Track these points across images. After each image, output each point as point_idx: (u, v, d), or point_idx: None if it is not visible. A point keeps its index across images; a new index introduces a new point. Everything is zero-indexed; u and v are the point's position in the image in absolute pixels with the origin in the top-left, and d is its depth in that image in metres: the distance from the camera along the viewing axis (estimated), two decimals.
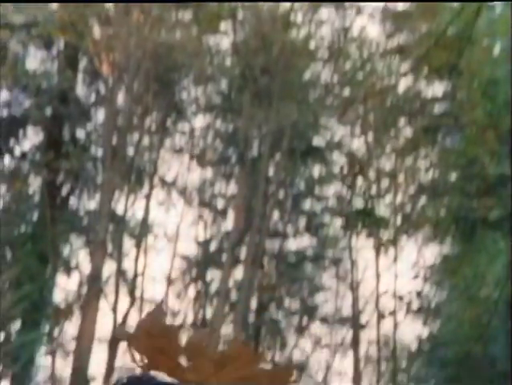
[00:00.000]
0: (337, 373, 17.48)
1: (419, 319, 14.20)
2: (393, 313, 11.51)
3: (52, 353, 15.12)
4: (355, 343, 16.62)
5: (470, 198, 10.35)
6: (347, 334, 17.04)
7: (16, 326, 14.79)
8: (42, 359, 15.46)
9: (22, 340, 13.35)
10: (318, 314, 17.45)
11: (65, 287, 16.27)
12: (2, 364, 14.59)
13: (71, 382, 16.99)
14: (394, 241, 13.48)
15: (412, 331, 17.08)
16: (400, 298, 10.45)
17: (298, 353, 17.65)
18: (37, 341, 14.19)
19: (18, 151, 15.21)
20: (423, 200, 13.16)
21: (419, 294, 10.53)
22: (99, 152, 15.71)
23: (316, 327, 17.58)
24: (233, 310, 15.51)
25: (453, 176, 11.85)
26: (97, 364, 19.22)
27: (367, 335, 16.77)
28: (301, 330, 17.40)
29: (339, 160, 16.47)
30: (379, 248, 13.57)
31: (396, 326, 15.45)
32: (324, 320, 17.35)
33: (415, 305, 10.65)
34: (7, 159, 14.78)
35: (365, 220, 13.93)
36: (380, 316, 13.00)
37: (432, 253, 12.71)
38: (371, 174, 14.96)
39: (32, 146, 15.32)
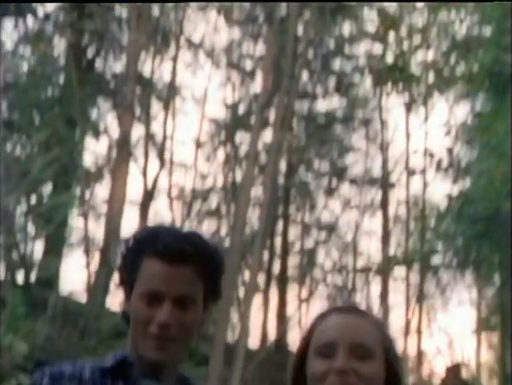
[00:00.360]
0: (366, 233, 17.68)
1: (449, 178, 14.14)
2: (423, 171, 11.43)
3: (84, 215, 15.35)
4: (384, 203, 16.69)
5: (505, 52, 9.99)
6: (376, 194, 17.10)
7: (47, 188, 14.97)
8: (75, 221, 15.73)
9: (54, 202, 13.49)
10: (348, 175, 17.47)
11: (94, 150, 16.35)
12: (35, 226, 14.85)
13: (104, 244, 17.33)
14: (425, 99, 13.21)
15: (441, 190, 17.07)
16: (431, 156, 10.30)
17: (327, 214, 17.83)
18: (69, 203, 14.36)
19: (41, 12, 14.94)
20: (455, 55, 12.78)
21: (449, 152, 10.37)
22: (124, 12, 15.38)
23: (345, 188, 17.67)
24: (262, 172, 15.52)
25: (488, 30, 11.43)
26: (129, 226, 19.58)
27: (397, 195, 16.82)
28: (330, 192, 17.48)
29: (369, 16, 16.00)
30: (410, 106, 13.32)
31: (425, 185, 15.43)
32: (354, 181, 17.38)
33: (445, 163, 10.54)
34: (30, 20, 14.53)
35: (396, 76, 13.58)
36: (410, 175, 12.94)
37: (464, 111, 12.49)
38: (403, 30, 14.53)
39: (55, 6, 15.02)
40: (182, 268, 1.72)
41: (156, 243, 1.73)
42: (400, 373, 1.68)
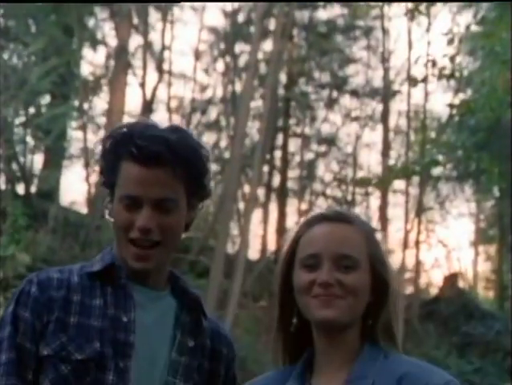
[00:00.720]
0: (366, 145, 17.64)
1: (450, 89, 14.02)
2: (425, 80, 11.28)
3: (83, 127, 15.29)
4: (384, 115, 16.60)
5: None
6: (377, 106, 16.99)
7: (46, 100, 14.86)
8: (74, 133, 15.69)
9: (53, 113, 13.41)
10: (349, 86, 17.32)
11: (92, 61, 16.15)
12: (34, 138, 14.80)
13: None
14: (428, 8, 12.96)
15: (443, 101, 16.95)
16: (433, 64, 10.16)
17: (327, 126, 17.75)
18: (67, 114, 14.28)
19: None
20: None
21: (452, 60, 10.24)
22: None
23: (346, 100, 17.54)
24: (262, 83, 15.36)
25: None
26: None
27: (398, 106, 16.72)
28: (331, 104, 17.35)
29: None
30: (412, 14, 13.07)
31: (427, 95, 15.30)
32: (354, 92, 17.22)
33: (447, 72, 10.40)
34: None
35: None
36: (412, 85, 12.79)
37: (467, 20, 12.26)
38: None
39: None
40: (159, 170, 1.67)
41: (131, 145, 1.68)
42: (387, 280, 1.66)
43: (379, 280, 1.65)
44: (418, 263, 16.66)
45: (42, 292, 1.71)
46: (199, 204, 1.78)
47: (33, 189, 15.73)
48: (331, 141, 17.47)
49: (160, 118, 19.36)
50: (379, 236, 1.72)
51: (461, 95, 12.80)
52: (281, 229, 16.82)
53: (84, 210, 17.40)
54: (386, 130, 16.86)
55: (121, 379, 1.66)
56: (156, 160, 1.66)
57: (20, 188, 17.13)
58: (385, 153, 16.71)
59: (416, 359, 1.68)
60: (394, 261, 12.94)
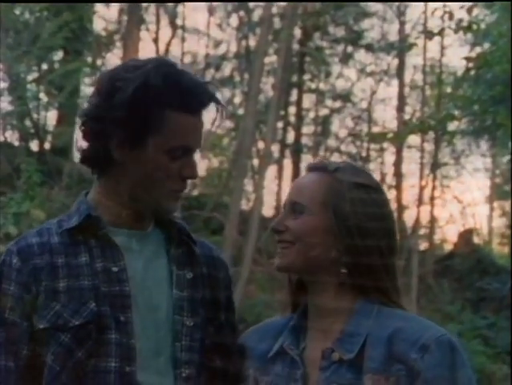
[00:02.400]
0: (381, 101, 17.49)
1: (467, 42, 13.81)
2: (441, 33, 11.05)
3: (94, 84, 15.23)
4: (400, 70, 16.42)
5: None
6: (392, 60, 16.77)
7: (58, 56, 14.80)
8: (88, 89, 15.62)
9: (66, 69, 13.35)
10: (364, 40, 17.10)
11: (105, 16, 16.05)
12: (47, 94, 14.78)
13: None
14: None
15: (459, 54, 16.69)
16: (450, 16, 9.97)
17: (342, 82, 17.59)
18: (80, 70, 14.21)
19: None
20: None
21: (469, 12, 10.07)
22: None
23: (361, 55, 17.33)
24: (276, 38, 15.20)
25: None
26: None
27: (413, 61, 16.49)
28: (346, 58, 17.17)
29: None
30: None
31: (443, 49, 15.10)
32: (370, 47, 17.01)
33: (464, 24, 10.23)
34: None
35: None
36: (428, 38, 12.54)
37: None
38: None
39: None
40: (200, 118, 1.69)
41: (183, 94, 1.65)
42: (351, 228, 1.65)
43: (341, 227, 1.64)
44: (433, 219, 16.63)
45: (25, 261, 1.63)
46: None
47: (47, 146, 15.75)
48: (345, 97, 17.33)
49: None
50: (365, 189, 1.69)
51: (478, 49, 12.60)
52: None
53: None
54: (401, 85, 16.69)
55: (125, 334, 1.61)
56: (203, 108, 1.69)
57: (34, 145, 17.16)
58: (400, 108, 16.57)
59: (411, 314, 1.69)
60: (408, 216, 12.93)
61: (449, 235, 18.14)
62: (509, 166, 11.71)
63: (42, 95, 17.14)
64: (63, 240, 1.66)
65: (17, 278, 1.63)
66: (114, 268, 1.63)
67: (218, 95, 1.76)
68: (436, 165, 15.82)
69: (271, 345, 1.70)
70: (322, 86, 17.73)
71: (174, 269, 1.69)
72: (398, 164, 16.43)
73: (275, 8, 15.33)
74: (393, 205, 13.44)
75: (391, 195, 13.81)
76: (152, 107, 1.64)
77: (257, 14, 16.17)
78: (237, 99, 16.69)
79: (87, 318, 1.60)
